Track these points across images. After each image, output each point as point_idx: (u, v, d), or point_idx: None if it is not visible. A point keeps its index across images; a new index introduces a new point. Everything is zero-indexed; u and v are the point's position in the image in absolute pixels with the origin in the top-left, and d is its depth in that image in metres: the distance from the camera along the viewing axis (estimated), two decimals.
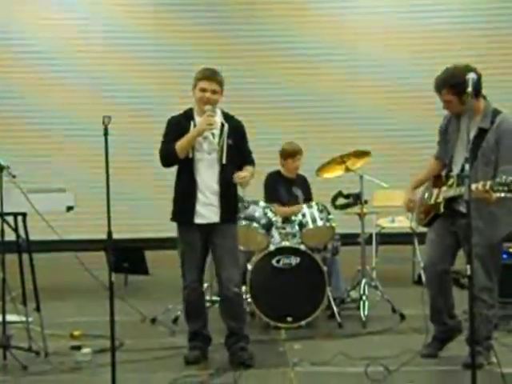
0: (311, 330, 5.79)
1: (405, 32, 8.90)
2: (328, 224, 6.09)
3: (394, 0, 9.27)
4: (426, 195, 4.93)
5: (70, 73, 9.13)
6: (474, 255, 4.04)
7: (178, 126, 4.89)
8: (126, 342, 5.35)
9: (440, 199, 4.74)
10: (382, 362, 4.71)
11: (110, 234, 4.17)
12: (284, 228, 6.19)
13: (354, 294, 6.28)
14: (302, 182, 6.70)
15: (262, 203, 6.13)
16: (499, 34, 8.91)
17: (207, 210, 4.86)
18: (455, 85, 4.45)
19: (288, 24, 8.99)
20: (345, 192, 6.26)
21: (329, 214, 6.13)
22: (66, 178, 8.36)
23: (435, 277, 4.82)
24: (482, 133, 4.58)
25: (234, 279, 4.87)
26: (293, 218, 6.16)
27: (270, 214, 5.99)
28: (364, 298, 6.00)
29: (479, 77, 4.47)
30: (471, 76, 4.08)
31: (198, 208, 4.85)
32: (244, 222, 5.90)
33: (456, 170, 4.70)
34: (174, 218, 4.99)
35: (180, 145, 4.79)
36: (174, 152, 4.80)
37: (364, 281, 6.12)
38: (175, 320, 5.98)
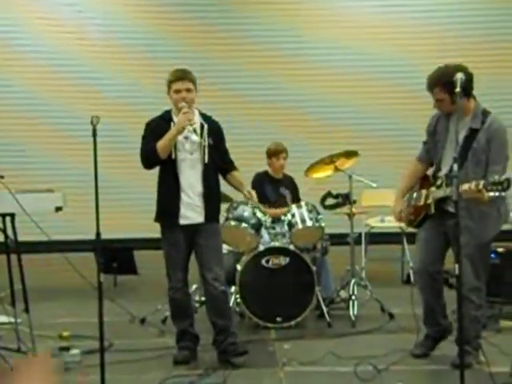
0: (301, 329, 5.80)
1: (396, 32, 8.89)
2: (317, 224, 6.09)
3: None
4: (414, 196, 4.91)
5: (62, 67, 9.02)
6: (464, 255, 4.06)
7: (158, 127, 4.87)
8: (115, 342, 5.35)
9: (430, 200, 4.72)
10: (371, 361, 4.74)
11: (98, 234, 4.17)
12: (273, 228, 6.21)
13: (343, 294, 6.31)
14: (290, 183, 6.73)
15: (250, 203, 6.13)
16: (493, 41, 8.89)
17: (191, 211, 4.86)
18: (447, 83, 4.42)
19: (284, 24, 8.95)
20: (334, 192, 6.27)
21: (318, 214, 6.13)
22: (55, 179, 8.31)
23: (428, 280, 4.81)
24: (473, 133, 4.57)
25: (219, 278, 4.87)
26: (282, 218, 6.17)
27: (259, 214, 5.99)
28: (353, 297, 6.02)
29: (470, 77, 4.48)
30: (459, 76, 4.08)
31: (182, 209, 4.84)
32: (233, 223, 5.88)
33: (445, 170, 4.69)
34: (157, 219, 4.98)
35: (161, 144, 4.77)
36: (156, 152, 4.78)
37: (353, 280, 6.14)
38: (164, 320, 5.97)
